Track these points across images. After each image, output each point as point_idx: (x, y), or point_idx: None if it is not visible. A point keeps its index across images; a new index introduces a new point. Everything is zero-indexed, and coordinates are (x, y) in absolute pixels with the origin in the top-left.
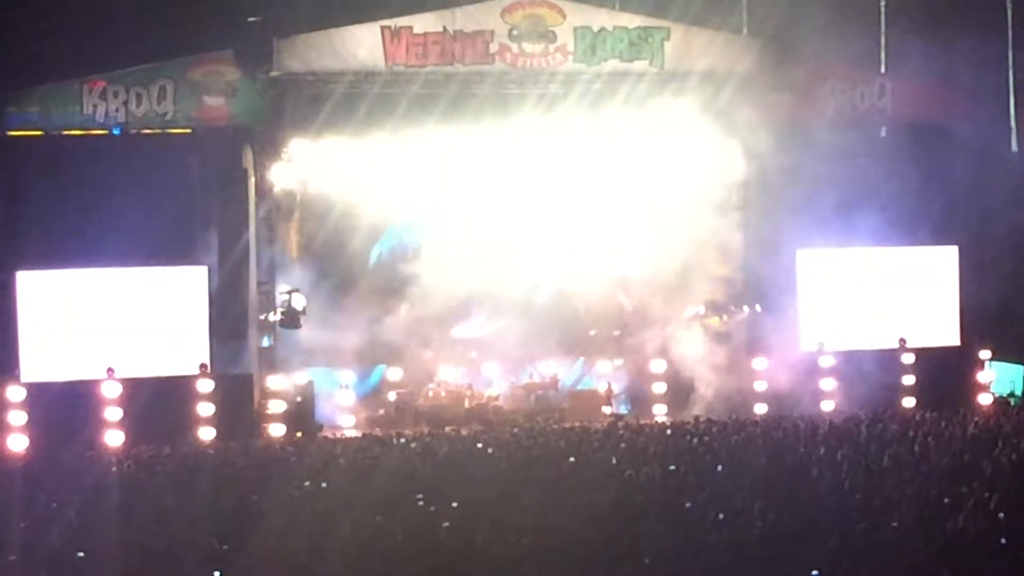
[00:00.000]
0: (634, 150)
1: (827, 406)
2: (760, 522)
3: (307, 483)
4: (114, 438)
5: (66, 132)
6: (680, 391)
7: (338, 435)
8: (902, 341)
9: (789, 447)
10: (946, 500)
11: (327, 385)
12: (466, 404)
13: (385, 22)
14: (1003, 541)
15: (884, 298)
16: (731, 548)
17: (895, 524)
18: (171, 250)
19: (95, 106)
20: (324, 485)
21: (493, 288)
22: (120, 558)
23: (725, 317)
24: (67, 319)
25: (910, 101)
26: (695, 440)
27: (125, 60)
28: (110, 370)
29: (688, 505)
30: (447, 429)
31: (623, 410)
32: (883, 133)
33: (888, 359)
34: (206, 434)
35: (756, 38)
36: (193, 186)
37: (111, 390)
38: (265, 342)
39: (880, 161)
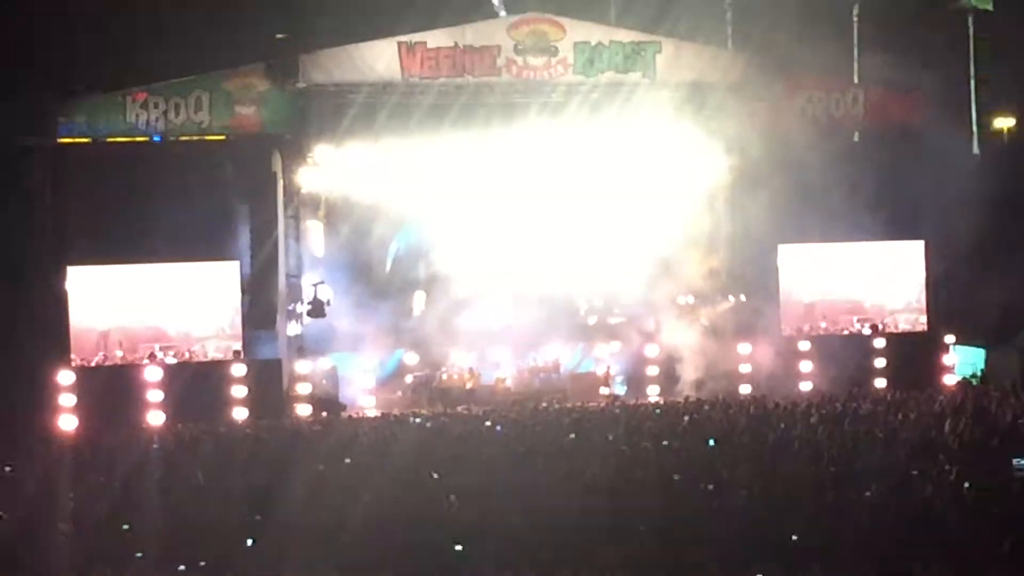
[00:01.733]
0: (629, 154)
1: (805, 387)
2: (744, 492)
3: (332, 460)
4: (156, 418)
5: (111, 139)
6: (671, 373)
7: (360, 415)
8: (874, 327)
9: (771, 424)
10: (915, 472)
11: (350, 369)
12: (475, 386)
13: (401, 38)
14: (967, 510)
15: (857, 288)
16: (718, 516)
17: (868, 494)
18: (206, 247)
19: (137, 115)
20: (347, 461)
21: (501, 279)
22: (161, 529)
23: (713, 306)
24: (112, 309)
25: (881, 109)
26: (685, 418)
27: (164, 73)
28: (152, 356)
29: (678, 478)
30: (459, 408)
31: (619, 391)
32: (856, 138)
33: (861, 343)
34: (239, 414)
35: (740, 52)
36: (227, 188)
37: (153, 374)
38: (293, 330)
39: (853, 164)
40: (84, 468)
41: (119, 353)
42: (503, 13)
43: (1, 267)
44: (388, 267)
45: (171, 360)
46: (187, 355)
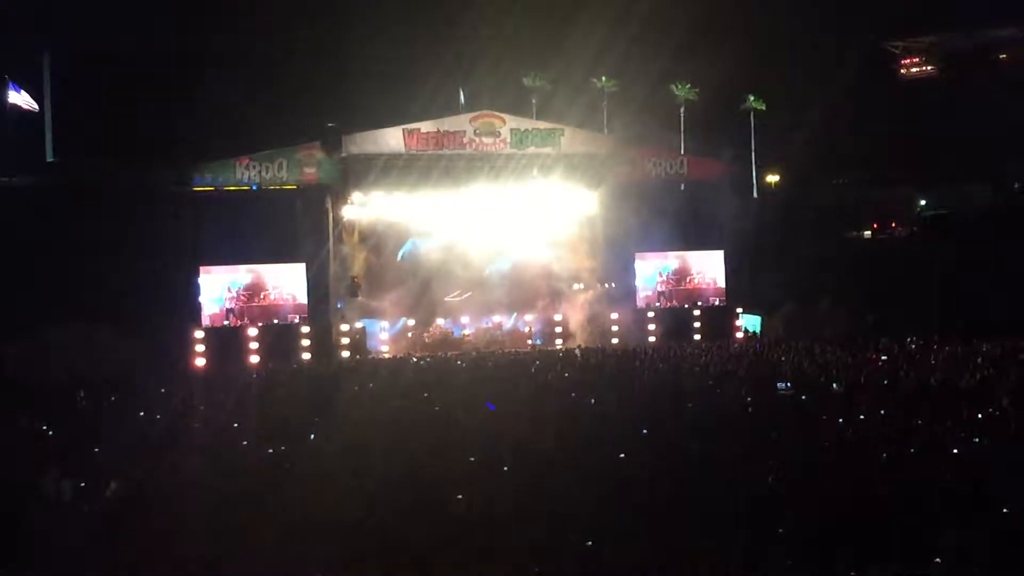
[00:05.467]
0: (544, 196)
1: (651, 339)
2: (614, 400)
3: (361, 383)
4: (254, 359)
5: (226, 188)
6: (569, 331)
7: (379, 357)
8: (693, 302)
9: (630, 361)
10: (718, 391)
11: (373, 328)
12: (448, 338)
13: (405, 126)
14: (750, 411)
15: (683, 279)
16: (596, 415)
17: (690, 405)
18: (285, 254)
19: (242, 173)
20: (371, 385)
21: (465, 273)
22: (257, 426)
23: (594, 289)
24: (227, 293)
25: (697, 169)
26: (578, 355)
27: (259, 147)
28: (252, 321)
29: (573, 394)
30: (439, 353)
31: (538, 342)
32: (682, 187)
33: (686, 312)
34: (305, 356)
35: (611, 134)
36: (297, 218)
37: (252, 332)
38: (338, 305)
39: (680, 203)
40: (210, 389)
41: (230, 319)
42: (464, 109)
43: (159, 269)
44: (397, 265)
45: (263, 324)
46: (273, 321)
